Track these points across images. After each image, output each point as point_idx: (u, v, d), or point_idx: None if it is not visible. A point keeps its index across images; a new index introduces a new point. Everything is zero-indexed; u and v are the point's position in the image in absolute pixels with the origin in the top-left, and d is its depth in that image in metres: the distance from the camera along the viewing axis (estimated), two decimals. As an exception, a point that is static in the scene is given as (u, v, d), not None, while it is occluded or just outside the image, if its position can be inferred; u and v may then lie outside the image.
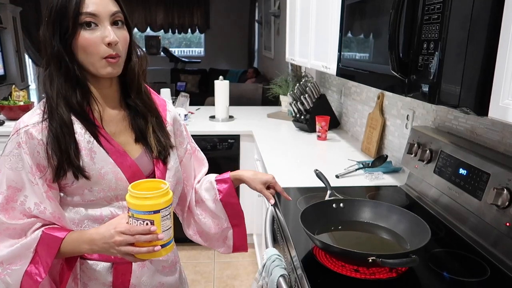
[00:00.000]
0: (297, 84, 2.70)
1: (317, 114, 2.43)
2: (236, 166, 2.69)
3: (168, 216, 0.88)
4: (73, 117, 0.91)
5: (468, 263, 1.07)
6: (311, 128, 2.52)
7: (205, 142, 2.64)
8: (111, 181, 0.94)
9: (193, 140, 1.23)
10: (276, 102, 3.45)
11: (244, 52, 8.19)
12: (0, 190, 0.90)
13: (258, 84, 4.43)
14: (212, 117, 2.98)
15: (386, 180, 1.72)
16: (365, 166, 1.80)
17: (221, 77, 3.00)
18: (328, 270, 1.02)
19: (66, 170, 0.90)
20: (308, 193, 1.53)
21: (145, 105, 1.02)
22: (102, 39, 0.88)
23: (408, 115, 1.76)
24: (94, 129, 0.93)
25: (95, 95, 0.95)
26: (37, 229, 0.91)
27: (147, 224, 0.84)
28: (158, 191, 0.85)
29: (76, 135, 0.91)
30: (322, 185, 1.43)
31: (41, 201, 0.90)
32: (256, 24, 7.41)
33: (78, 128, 0.91)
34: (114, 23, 0.91)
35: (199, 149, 1.25)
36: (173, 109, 1.12)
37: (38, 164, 0.90)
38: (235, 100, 3.60)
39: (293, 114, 2.66)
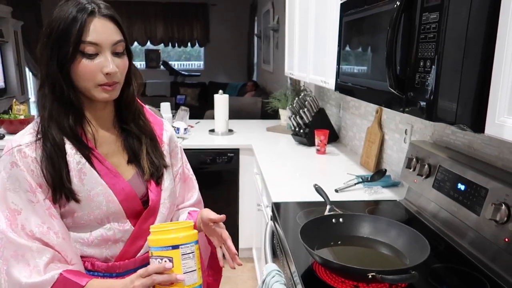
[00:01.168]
0: (296, 98, 2.72)
1: (316, 128, 2.44)
2: (235, 180, 2.70)
3: (191, 255, 0.80)
4: (65, 139, 0.90)
5: (467, 278, 1.07)
6: (310, 142, 2.53)
7: (205, 156, 2.65)
8: (101, 203, 0.91)
9: (189, 167, 1.17)
10: (275, 115, 3.47)
11: (244, 65, 8.25)
12: (3, 213, 0.86)
13: (258, 97, 4.46)
14: (212, 130, 3.00)
15: (385, 194, 1.73)
16: (364, 180, 1.81)
17: (220, 91, 3.02)
18: (328, 286, 1.02)
19: (61, 192, 0.88)
20: (308, 208, 1.53)
21: (139, 128, 1.01)
22: (101, 68, 0.87)
23: (406, 129, 1.77)
24: (86, 151, 0.91)
25: (88, 118, 0.94)
26: (49, 263, 0.85)
27: (165, 261, 0.78)
28: (177, 223, 0.81)
29: (67, 156, 0.89)
30: (321, 199, 1.43)
31: (43, 221, 0.87)
32: (255, 38, 7.49)
33: (69, 148, 0.89)
34: (115, 53, 0.89)
35: (193, 178, 1.18)
36: (170, 129, 1.11)
37: (37, 183, 0.87)
38: (235, 113, 3.62)
39: (292, 128, 2.68)
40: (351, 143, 2.51)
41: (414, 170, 1.50)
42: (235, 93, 6.68)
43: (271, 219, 1.55)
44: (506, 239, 1.01)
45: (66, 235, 0.91)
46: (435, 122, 1.56)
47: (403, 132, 1.80)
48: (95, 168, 0.91)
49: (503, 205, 1.03)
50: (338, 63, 1.55)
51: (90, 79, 0.87)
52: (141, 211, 0.98)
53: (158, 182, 1.00)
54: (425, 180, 1.43)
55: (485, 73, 0.80)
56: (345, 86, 1.50)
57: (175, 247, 0.78)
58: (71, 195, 0.88)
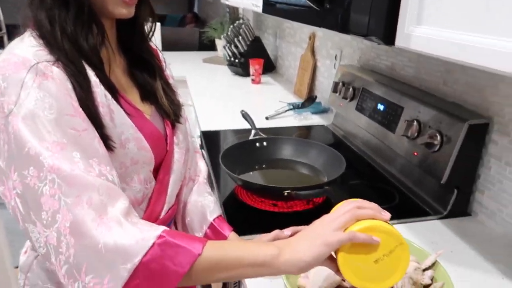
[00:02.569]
0: (231, 27, 2.60)
1: (252, 57, 2.37)
2: (170, 113, 2.61)
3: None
4: (84, 64, 0.64)
5: (380, 192, 1.13)
6: (245, 72, 2.47)
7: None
8: (133, 151, 0.67)
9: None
10: (212, 47, 3.33)
11: (183, -5, 7.74)
12: (44, 147, 0.54)
13: (195, 28, 4.24)
14: (144, 62, 2.83)
15: (315, 120, 1.75)
16: (295, 107, 1.81)
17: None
18: (248, 206, 1.03)
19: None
20: (236, 135, 1.52)
21: (149, 54, 0.79)
22: None
23: (336, 55, 1.76)
24: (109, 82, 0.66)
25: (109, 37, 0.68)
26: (128, 213, 0.57)
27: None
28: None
29: (92, 87, 0.63)
30: (250, 127, 1.42)
31: (95, 155, 0.58)
32: (194, -35, 6.97)
33: (92, 76, 0.63)
34: None
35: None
36: (164, 58, 0.90)
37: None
38: (171, 46, 3.42)
39: (228, 58, 2.59)
40: (287, 73, 2.49)
41: (340, 94, 1.51)
42: (175, 26, 6.31)
43: (200, 148, 1.53)
44: (415, 153, 1.06)
45: (117, 180, 0.62)
46: (362, 46, 1.56)
47: (334, 58, 1.79)
48: (121, 105, 0.67)
49: (415, 121, 1.07)
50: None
51: None
52: (163, 158, 0.77)
53: (174, 124, 0.80)
54: (349, 103, 1.45)
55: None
56: (270, 6, 1.43)
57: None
58: (104, 138, 0.62)
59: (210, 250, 0.56)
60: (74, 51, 0.61)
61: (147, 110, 0.75)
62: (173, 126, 0.78)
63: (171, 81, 0.84)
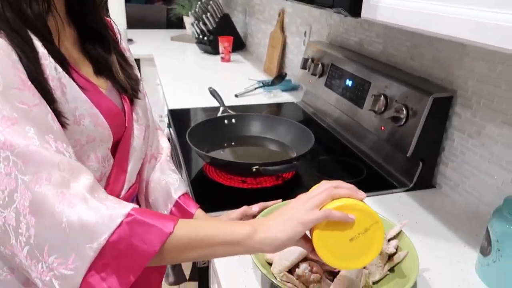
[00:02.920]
0: (199, 3, 2.53)
1: (221, 35, 2.32)
2: (138, 93, 2.53)
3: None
4: (30, 33, 0.57)
5: (348, 166, 1.14)
6: (215, 50, 2.41)
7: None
8: (89, 128, 0.62)
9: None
10: (181, 24, 3.24)
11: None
12: None
13: (162, 5, 4.10)
14: (109, 40, 2.72)
15: (284, 97, 1.74)
16: (264, 85, 1.79)
17: (115, -6, 2.69)
18: (217, 183, 1.02)
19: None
20: (204, 113, 1.49)
21: (103, 26, 0.72)
22: None
23: (305, 31, 1.74)
24: (58, 54, 0.59)
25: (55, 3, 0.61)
26: (94, 188, 0.53)
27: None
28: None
29: (40, 59, 0.56)
30: (218, 104, 1.39)
31: (50, 131, 0.53)
32: None
33: (40, 46, 0.56)
34: None
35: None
36: (119, 30, 0.83)
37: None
38: (137, 23, 3.30)
39: (196, 36, 2.52)
40: (257, 51, 2.45)
41: (309, 70, 1.50)
42: (142, 3, 6.08)
43: (168, 127, 1.49)
44: (383, 128, 1.07)
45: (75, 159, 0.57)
46: (330, 22, 1.55)
47: (303, 34, 1.77)
48: (74, 79, 0.60)
49: (382, 96, 1.07)
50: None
51: None
52: (121, 135, 0.72)
53: (132, 100, 0.74)
54: (318, 80, 1.45)
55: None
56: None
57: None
58: (57, 115, 0.56)
59: (181, 229, 0.53)
60: (17, 19, 0.55)
61: (103, 85, 0.69)
62: (132, 102, 0.74)
63: (127, 54, 0.79)
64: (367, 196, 0.98)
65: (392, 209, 0.94)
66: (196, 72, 2.11)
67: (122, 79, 0.72)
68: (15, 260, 0.51)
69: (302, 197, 0.59)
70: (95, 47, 0.70)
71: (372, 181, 1.06)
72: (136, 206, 0.54)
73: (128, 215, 0.51)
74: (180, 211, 0.80)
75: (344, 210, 0.55)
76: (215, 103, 1.40)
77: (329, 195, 0.57)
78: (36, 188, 0.49)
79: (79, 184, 0.52)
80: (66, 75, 0.59)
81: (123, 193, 0.71)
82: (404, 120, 0.99)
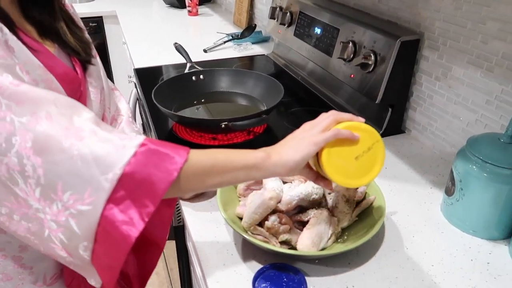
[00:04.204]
0: (161, -48, 2.37)
1: (186, -14, 2.21)
2: (104, 53, 2.43)
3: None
4: None
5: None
6: (181, 4, 2.31)
7: (62, 29, 2.28)
8: None
9: None
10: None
11: None
12: None
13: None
14: (68, -2, 2.55)
15: (255, 50, 1.69)
16: (234, 38, 1.73)
17: None
18: (187, 142, 1.00)
19: None
20: (172, 70, 1.44)
21: None
22: None
23: (273, -22, 1.67)
24: (1, 13, 0.54)
25: None
26: (96, 121, 0.49)
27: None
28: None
29: None
30: (185, 61, 1.34)
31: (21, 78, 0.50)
32: None
33: None
34: None
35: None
36: None
37: None
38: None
39: (161, -11, 2.39)
40: (225, 2, 2.35)
41: (277, 20, 1.45)
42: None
43: (135, 87, 1.44)
44: (352, 76, 1.05)
45: None
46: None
47: (271, -19, 1.70)
48: (23, 42, 0.55)
49: (350, 42, 1.05)
50: None
51: None
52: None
53: (85, 65, 0.68)
54: (287, 30, 1.40)
55: None
56: None
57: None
58: None
59: (198, 155, 0.52)
60: None
61: (50, 49, 0.62)
62: (84, 66, 0.69)
63: (75, 17, 0.72)
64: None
65: (362, 156, 0.94)
66: (162, 27, 2.02)
67: (72, 42, 0.66)
68: (14, 218, 0.48)
69: (307, 125, 0.60)
70: (37, 7, 0.63)
71: (343, 130, 1.06)
72: (147, 137, 0.51)
73: (142, 145, 0.48)
74: None
75: (350, 129, 0.58)
76: (183, 60, 1.35)
77: (334, 119, 0.59)
78: (37, 127, 0.45)
79: (83, 118, 0.49)
80: (13, 37, 0.53)
81: None
82: (372, 66, 0.98)
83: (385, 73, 0.94)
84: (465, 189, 0.69)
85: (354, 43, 1.04)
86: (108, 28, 2.39)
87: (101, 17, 2.36)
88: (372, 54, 0.97)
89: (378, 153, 0.60)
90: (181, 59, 1.38)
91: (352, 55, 1.04)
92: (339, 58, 1.07)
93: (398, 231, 0.72)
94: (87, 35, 0.72)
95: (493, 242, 0.70)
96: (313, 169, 0.61)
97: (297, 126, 1.08)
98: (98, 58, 0.80)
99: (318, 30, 1.22)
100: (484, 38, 0.79)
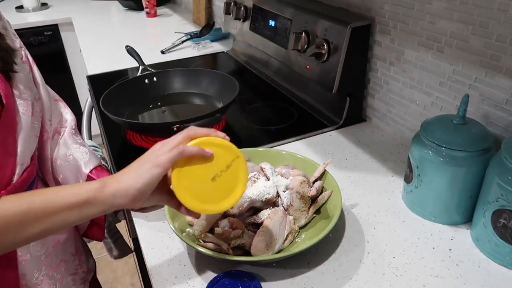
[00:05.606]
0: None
1: (142, -12, 2.14)
2: (63, 62, 2.34)
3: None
4: None
5: (279, 111, 1.10)
6: (139, 5, 2.24)
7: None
8: None
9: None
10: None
11: None
12: None
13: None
14: (20, 7, 2.45)
15: (215, 47, 1.64)
16: (192, 36, 1.68)
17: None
18: (143, 149, 0.95)
19: None
20: (126, 75, 1.38)
21: None
22: None
23: (227, -27, 1.62)
24: None
25: None
26: None
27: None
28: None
29: None
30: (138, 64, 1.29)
31: None
32: None
33: None
34: None
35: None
36: None
37: None
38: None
39: (117, -8, 2.32)
40: (184, 1, 2.29)
41: (232, 15, 1.41)
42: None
43: (90, 95, 1.38)
44: (308, 67, 1.02)
45: None
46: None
47: (225, -24, 1.65)
48: None
49: (303, 33, 1.02)
50: None
51: None
52: None
53: (9, 74, 0.63)
54: (243, 24, 1.36)
55: None
56: None
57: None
58: None
59: (7, 203, 0.46)
60: None
61: None
62: (8, 76, 0.63)
63: None
64: (299, 139, 0.96)
65: (322, 149, 0.92)
66: (119, 32, 1.95)
67: None
68: None
69: (159, 143, 0.53)
70: None
71: (302, 123, 1.03)
72: None
73: None
74: None
75: (202, 146, 0.51)
76: (135, 62, 1.30)
77: (186, 136, 0.52)
78: None
79: None
80: None
81: (15, 178, 0.63)
82: (326, 55, 0.95)
83: (339, 62, 0.92)
84: (422, 175, 0.67)
85: (307, 33, 1.01)
86: (65, 35, 2.30)
87: (56, 25, 2.27)
88: (325, 43, 0.94)
89: (240, 171, 0.52)
90: (132, 63, 1.33)
91: (306, 46, 1.01)
92: (293, 49, 1.04)
93: (359, 224, 0.70)
94: (8, 41, 0.66)
95: (454, 227, 0.68)
96: (175, 196, 0.52)
97: (256, 122, 1.04)
98: (34, 68, 0.74)
99: (272, 23, 1.19)
100: (431, 18, 0.77)
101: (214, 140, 0.52)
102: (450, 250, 0.63)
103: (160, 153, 0.50)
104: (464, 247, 0.64)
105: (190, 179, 0.50)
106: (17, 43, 0.70)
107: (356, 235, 0.67)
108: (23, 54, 0.70)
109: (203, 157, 0.51)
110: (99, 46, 1.74)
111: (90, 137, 1.20)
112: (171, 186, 0.51)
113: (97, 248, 1.75)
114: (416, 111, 0.87)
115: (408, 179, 0.71)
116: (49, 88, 0.79)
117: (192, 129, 0.53)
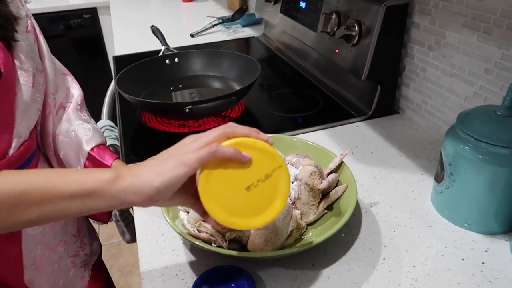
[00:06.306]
0: None
1: (180, -28, 2.11)
2: (100, 47, 2.37)
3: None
4: None
5: (304, 98, 1.02)
6: (176, -10, 2.21)
7: (56, 22, 2.23)
8: None
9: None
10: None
11: None
12: None
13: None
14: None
15: (246, 32, 1.58)
16: (224, 21, 1.63)
17: None
18: (155, 131, 0.91)
19: None
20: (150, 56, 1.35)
21: None
22: None
23: (262, -46, 1.55)
24: None
25: None
26: None
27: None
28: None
29: None
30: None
31: None
32: None
33: None
34: None
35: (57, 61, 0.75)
36: None
37: None
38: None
39: (155, -24, 2.30)
40: (221, -13, 2.25)
41: (264, -3, 1.34)
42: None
43: (114, 78, 1.36)
44: (337, 51, 0.94)
45: None
46: None
47: (261, -42, 1.58)
48: None
49: (334, 13, 0.93)
50: None
51: None
52: None
53: (9, 43, 0.60)
54: (274, 7, 1.29)
55: None
56: None
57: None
58: None
59: (3, 181, 0.41)
60: None
61: None
62: (9, 45, 0.60)
63: None
64: (323, 129, 0.88)
65: (345, 141, 0.83)
66: (152, 15, 1.93)
67: None
68: None
69: (190, 137, 0.46)
70: None
71: (328, 111, 0.95)
72: None
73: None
74: (94, 165, 0.70)
75: (239, 148, 0.43)
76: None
77: (222, 133, 0.44)
78: None
79: None
80: None
81: (11, 151, 0.60)
82: (356, 38, 0.86)
83: (371, 45, 0.82)
84: (455, 174, 0.57)
85: (338, 14, 0.92)
86: (103, 19, 2.32)
87: (95, 8, 2.29)
88: (356, 24, 0.85)
89: (280, 184, 0.44)
90: (158, 45, 1.29)
91: (336, 28, 0.93)
92: (322, 31, 0.96)
93: (377, 225, 0.61)
94: (11, 9, 0.63)
95: (490, 237, 0.58)
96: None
97: (277, 109, 0.97)
98: (41, 38, 0.71)
99: (303, 4, 1.11)
100: (479, -6, 0.66)
101: (255, 143, 0.44)
102: (483, 263, 0.54)
103: (188, 150, 0.43)
104: (501, 261, 0.54)
105: (220, 185, 0.43)
106: (23, 11, 0.67)
107: (372, 238, 0.59)
108: (29, 23, 0.67)
109: (239, 162, 0.43)
110: (131, 29, 1.72)
111: (110, 118, 1.18)
112: (198, 189, 0.43)
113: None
114: (456, 103, 0.76)
115: (438, 178, 0.62)
116: (57, 61, 0.75)
117: (230, 126, 0.46)
